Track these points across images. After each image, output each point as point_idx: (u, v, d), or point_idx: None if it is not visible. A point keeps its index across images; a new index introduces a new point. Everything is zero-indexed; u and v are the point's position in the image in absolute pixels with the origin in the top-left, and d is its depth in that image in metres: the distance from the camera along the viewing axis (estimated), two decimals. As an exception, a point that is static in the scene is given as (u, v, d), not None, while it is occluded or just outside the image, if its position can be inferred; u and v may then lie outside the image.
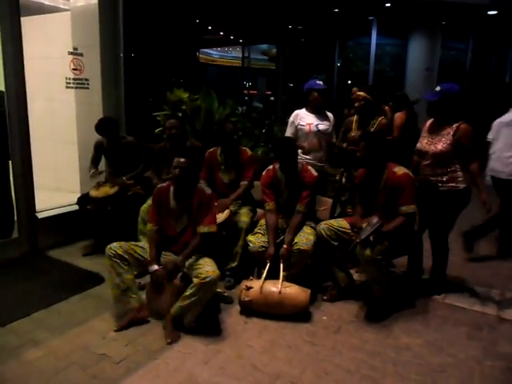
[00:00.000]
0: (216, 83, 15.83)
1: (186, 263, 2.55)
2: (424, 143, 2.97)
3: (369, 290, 2.88)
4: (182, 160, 2.56)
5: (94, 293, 3.02)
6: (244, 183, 3.32)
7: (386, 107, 5.13)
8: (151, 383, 2.13)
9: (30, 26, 3.90)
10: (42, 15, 4.45)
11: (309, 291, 2.74)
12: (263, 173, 3.16)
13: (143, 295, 2.67)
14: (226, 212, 3.13)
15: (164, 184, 2.76)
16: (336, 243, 2.87)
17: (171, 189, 2.68)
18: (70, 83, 4.19)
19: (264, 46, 15.71)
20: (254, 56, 15.29)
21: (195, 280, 2.42)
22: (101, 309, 2.77)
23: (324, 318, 2.78)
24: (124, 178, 3.63)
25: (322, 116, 3.55)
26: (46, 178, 4.42)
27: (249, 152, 3.42)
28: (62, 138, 4.55)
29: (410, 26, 10.29)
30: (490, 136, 3.82)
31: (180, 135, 3.45)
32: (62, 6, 4.48)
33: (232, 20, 11.75)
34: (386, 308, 2.82)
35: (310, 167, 3.09)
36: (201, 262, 2.53)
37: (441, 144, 2.85)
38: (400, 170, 2.75)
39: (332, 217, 3.28)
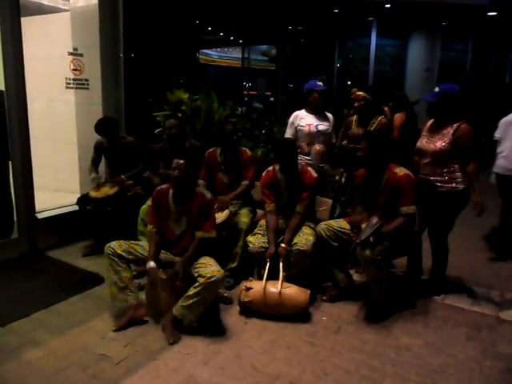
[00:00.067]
0: (216, 84, 15.86)
1: (188, 263, 2.55)
2: (424, 142, 2.98)
3: (368, 291, 2.88)
4: (181, 162, 2.56)
5: (93, 293, 3.02)
6: (245, 183, 3.33)
7: (386, 108, 5.13)
8: (151, 383, 2.13)
9: (30, 26, 3.90)
10: (42, 15, 4.45)
11: (308, 292, 2.74)
12: (263, 174, 3.16)
13: (142, 295, 2.67)
14: (226, 212, 3.13)
15: (163, 186, 2.76)
16: (336, 244, 2.87)
17: (170, 191, 2.68)
18: (69, 83, 4.19)
19: (264, 47, 15.75)
20: (253, 57, 15.32)
21: (200, 279, 2.41)
22: (101, 309, 2.77)
23: (324, 318, 2.78)
24: (123, 176, 3.63)
25: (321, 117, 3.55)
26: (46, 178, 4.42)
27: (249, 152, 3.42)
28: (61, 139, 4.55)
29: (409, 27, 10.31)
30: (497, 135, 3.83)
31: (179, 135, 3.45)
32: (61, 7, 4.49)
33: (232, 21, 11.77)
34: (386, 308, 2.83)
35: (309, 168, 3.09)
36: (203, 261, 2.53)
37: (440, 142, 2.86)
38: (401, 170, 2.75)
39: (332, 217, 3.28)
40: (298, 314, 2.72)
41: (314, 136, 3.50)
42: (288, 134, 3.60)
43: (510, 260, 3.81)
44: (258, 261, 2.97)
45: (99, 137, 3.71)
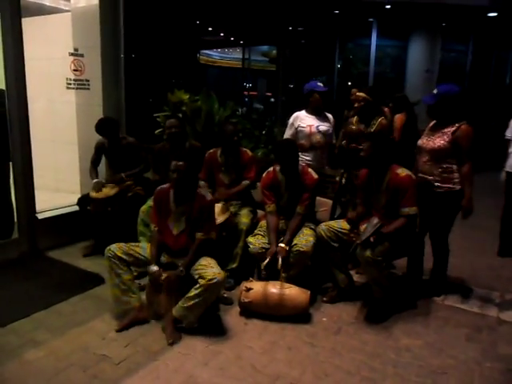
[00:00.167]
0: (216, 84, 15.87)
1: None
2: (424, 140, 3.00)
3: (369, 292, 2.89)
4: (180, 163, 2.55)
5: (94, 293, 3.02)
6: (246, 182, 3.33)
7: (386, 109, 5.13)
8: (151, 384, 2.14)
9: (30, 26, 3.90)
10: (43, 16, 4.45)
11: (309, 292, 2.74)
12: (263, 174, 3.16)
13: (143, 296, 2.68)
14: (226, 213, 3.13)
15: (164, 185, 2.76)
16: (336, 244, 2.87)
17: (171, 191, 2.68)
18: (70, 84, 4.19)
19: (264, 48, 15.77)
20: (254, 57, 15.33)
21: (201, 281, 2.41)
22: (101, 309, 2.77)
23: (324, 319, 2.78)
24: (123, 174, 3.63)
25: (322, 117, 3.55)
26: (47, 178, 4.42)
27: (249, 153, 3.42)
28: (62, 139, 4.55)
29: (410, 28, 10.30)
30: (508, 134, 3.82)
31: (179, 135, 3.45)
32: (62, 7, 4.49)
33: (232, 21, 11.78)
34: (386, 309, 2.83)
35: (310, 169, 3.09)
36: (204, 262, 2.53)
37: (439, 140, 2.87)
38: (403, 171, 2.75)
39: (332, 218, 3.29)
40: (298, 315, 2.71)
41: (315, 136, 3.49)
42: (287, 134, 3.60)
43: (510, 261, 3.81)
44: (259, 262, 2.97)
45: (100, 137, 3.71)
